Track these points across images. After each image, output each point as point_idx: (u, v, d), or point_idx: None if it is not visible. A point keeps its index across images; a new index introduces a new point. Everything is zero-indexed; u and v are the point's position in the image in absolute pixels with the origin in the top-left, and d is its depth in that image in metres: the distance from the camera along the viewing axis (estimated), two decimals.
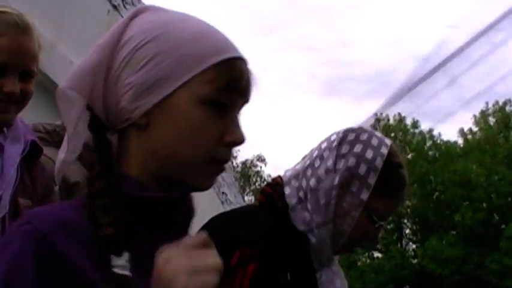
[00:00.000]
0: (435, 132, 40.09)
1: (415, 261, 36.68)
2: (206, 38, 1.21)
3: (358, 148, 1.91)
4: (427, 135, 39.97)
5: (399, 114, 40.09)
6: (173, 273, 1.00)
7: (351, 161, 1.89)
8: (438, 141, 39.72)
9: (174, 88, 1.18)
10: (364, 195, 1.89)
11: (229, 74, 1.20)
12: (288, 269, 1.84)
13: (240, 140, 1.23)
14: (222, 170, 1.25)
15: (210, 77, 1.18)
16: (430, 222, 36.25)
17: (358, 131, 1.96)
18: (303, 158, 2.04)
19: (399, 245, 38.52)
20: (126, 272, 1.09)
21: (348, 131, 1.97)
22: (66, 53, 5.00)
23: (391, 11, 67.69)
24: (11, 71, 1.99)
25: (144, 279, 1.09)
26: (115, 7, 6.08)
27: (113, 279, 1.08)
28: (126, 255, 1.10)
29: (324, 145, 1.98)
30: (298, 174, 1.97)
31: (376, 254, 39.55)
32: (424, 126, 40.94)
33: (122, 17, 6.33)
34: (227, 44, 1.24)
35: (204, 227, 1.86)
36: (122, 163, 1.23)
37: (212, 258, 1.04)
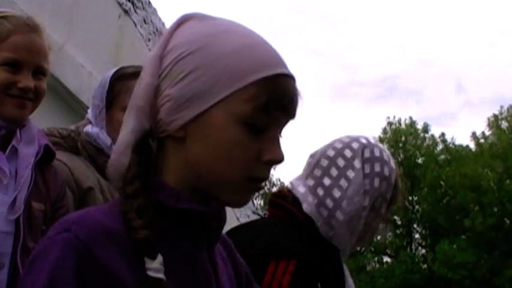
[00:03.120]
0: (447, 136, 40.04)
1: (424, 266, 36.54)
2: (249, 52, 1.17)
3: (377, 167, 2.05)
4: (439, 139, 39.85)
5: (410, 118, 40.10)
6: None
7: (376, 181, 2.04)
8: (450, 146, 39.57)
9: (211, 104, 1.15)
10: (383, 209, 2.08)
11: (270, 92, 1.16)
12: (320, 279, 1.88)
13: (278, 159, 1.20)
14: (259, 188, 1.23)
15: (249, 95, 1.15)
16: (440, 227, 36.12)
17: (370, 146, 2.08)
18: (310, 172, 2.06)
19: (409, 249, 38.39)
20: (161, 275, 1.08)
21: (362, 147, 2.06)
22: (77, 57, 5.03)
23: (397, 15, 67.65)
24: (24, 68, 2.05)
25: (175, 284, 1.10)
26: (126, 12, 6.11)
27: (147, 282, 1.07)
28: (160, 258, 1.09)
29: (340, 162, 2.03)
30: (317, 191, 2.00)
31: (386, 259, 39.46)
32: (435, 131, 40.93)
33: (133, 21, 6.39)
34: (271, 60, 1.19)
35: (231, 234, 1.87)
36: (159, 171, 1.21)
37: None
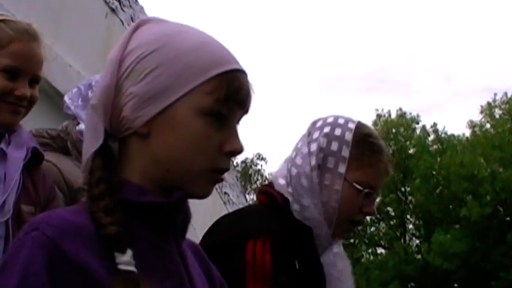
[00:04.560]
0: (438, 126, 40.07)
1: (418, 256, 36.65)
2: (207, 49, 1.24)
3: (326, 129, 2.06)
4: (431, 129, 39.91)
5: (400, 109, 40.16)
6: None
7: (322, 141, 2.03)
8: (442, 135, 39.63)
9: (175, 99, 1.21)
10: (342, 168, 2.02)
11: (229, 85, 1.23)
12: (296, 258, 1.92)
13: (239, 150, 1.25)
14: (221, 179, 1.28)
15: (210, 89, 1.21)
16: (433, 217, 36.21)
17: (325, 117, 2.12)
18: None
19: (403, 240, 38.49)
20: (132, 268, 1.11)
21: (316, 120, 2.12)
22: (64, 57, 5.01)
23: (385, 8, 67.74)
24: (22, 76, 2.07)
25: (146, 277, 1.13)
26: (113, 10, 6.09)
27: (119, 275, 1.10)
28: (129, 252, 1.13)
29: (298, 140, 2.12)
30: (282, 172, 2.08)
31: (380, 250, 39.57)
32: (424, 122, 40.95)
33: (120, 20, 6.36)
34: (227, 56, 1.27)
35: (211, 229, 1.97)
36: (122, 170, 1.25)
37: None
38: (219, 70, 1.22)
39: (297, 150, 2.08)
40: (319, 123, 2.10)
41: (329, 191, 2.01)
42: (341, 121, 2.08)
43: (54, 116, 4.43)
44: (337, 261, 2.08)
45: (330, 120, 2.09)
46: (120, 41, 1.27)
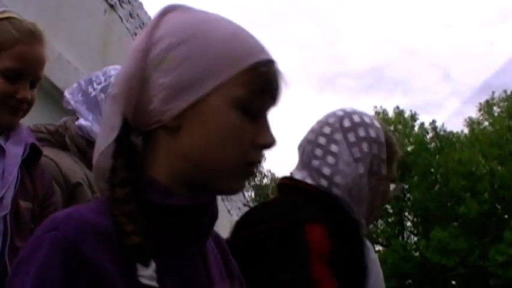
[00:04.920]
0: (437, 123, 40.08)
1: (417, 254, 36.65)
2: (239, 39, 1.20)
3: (361, 132, 2.03)
4: (430, 126, 39.90)
5: (397, 107, 40.16)
6: None
7: (365, 146, 2.02)
8: (441, 133, 39.62)
9: (208, 90, 1.16)
10: (384, 170, 2.06)
11: (263, 77, 1.19)
12: (344, 247, 1.91)
13: (272, 143, 1.22)
14: (253, 173, 1.24)
15: (244, 80, 1.17)
16: (431, 215, 36.21)
17: (347, 115, 2.07)
18: (300, 160, 2.09)
19: (401, 238, 38.50)
20: (154, 283, 1.07)
21: (339, 119, 2.06)
22: (63, 53, 5.00)
23: (382, 6, 67.73)
24: (23, 78, 2.04)
25: (167, 286, 1.10)
26: (112, 6, 6.08)
27: None
28: (153, 266, 1.08)
29: (322, 140, 2.04)
30: (312, 174, 2.02)
31: (378, 248, 39.57)
32: (422, 119, 40.92)
33: (119, 16, 6.36)
34: (259, 46, 1.22)
35: (245, 219, 1.97)
36: (147, 167, 1.20)
37: None
38: (252, 61, 1.18)
39: (333, 155, 2.00)
40: (346, 123, 2.05)
41: (374, 193, 2.05)
42: (368, 120, 2.07)
43: (52, 112, 4.42)
44: (370, 252, 2.11)
45: (357, 119, 2.06)
46: (146, 29, 1.22)
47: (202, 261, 1.23)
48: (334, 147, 2.01)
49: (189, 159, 1.17)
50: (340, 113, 2.09)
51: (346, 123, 2.05)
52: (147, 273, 1.07)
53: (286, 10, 73.83)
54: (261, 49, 1.21)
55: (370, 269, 2.05)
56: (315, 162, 2.02)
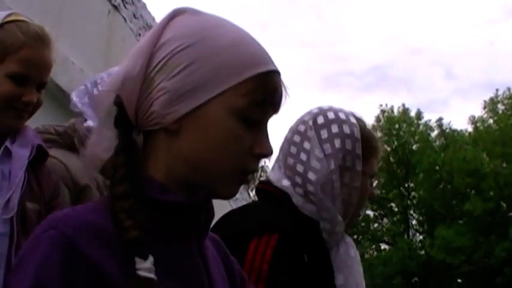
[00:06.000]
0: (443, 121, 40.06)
1: (422, 252, 36.64)
2: (243, 47, 1.21)
3: (335, 128, 2.04)
4: (436, 124, 39.90)
5: (403, 105, 40.16)
6: None
7: (337, 142, 2.01)
8: (447, 131, 39.60)
9: (208, 98, 1.17)
10: (359, 166, 2.04)
11: (265, 88, 1.20)
12: (305, 251, 1.91)
13: (268, 153, 1.23)
14: (248, 180, 1.26)
15: (246, 90, 1.18)
16: (436, 213, 36.20)
17: (321, 112, 2.09)
18: (277, 159, 2.12)
19: (406, 236, 38.49)
20: (152, 275, 1.08)
21: (314, 115, 2.08)
22: (67, 54, 5.00)
23: (385, 4, 67.72)
24: (30, 82, 2.04)
25: (166, 281, 1.11)
26: (115, 7, 6.09)
27: (138, 282, 1.07)
28: (151, 258, 1.09)
29: (297, 138, 2.07)
30: (286, 173, 2.05)
31: (383, 246, 39.57)
32: (427, 118, 40.90)
33: (123, 17, 6.36)
34: (263, 56, 1.23)
35: (216, 226, 1.92)
36: (146, 166, 1.22)
37: None
38: (255, 71, 1.19)
39: (306, 152, 2.03)
40: (320, 120, 2.06)
41: (349, 189, 2.03)
42: (343, 116, 2.07)
43: (57, 113, 4.43)
44: (349, 249, 2.10)
45: (331, 116, 2.07)
46: (152, 30, 1.23)
47: (201, 259, 1.24)
48: (306, 144, 2.03)
49: (186, 162, 1.19)
50: (316, 110, 2.10)
51: (320, 120, 2.06)
52: (145, 266, 1.08)
53: (288, 9, 73.85)
54: (264, 59, 1.22)
55: (345, 267, 2.05)
56: (290, 160, 2.04)
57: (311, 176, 2.00)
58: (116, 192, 1.15)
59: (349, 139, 2.03)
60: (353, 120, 2.07)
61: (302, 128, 2.07)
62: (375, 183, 2.23)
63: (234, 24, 1.26)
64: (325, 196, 1.99)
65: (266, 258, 1.81)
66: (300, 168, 2.02)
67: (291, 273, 1.85)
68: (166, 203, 1.18)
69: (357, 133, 2.04)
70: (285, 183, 2.03)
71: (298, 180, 2.01)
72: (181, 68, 1.17)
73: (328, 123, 2.05)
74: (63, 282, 1.03)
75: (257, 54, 1.22)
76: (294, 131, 2.09)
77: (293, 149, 2.06)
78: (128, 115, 1.22)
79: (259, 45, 1.24)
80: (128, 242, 1.09)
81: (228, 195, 1.24)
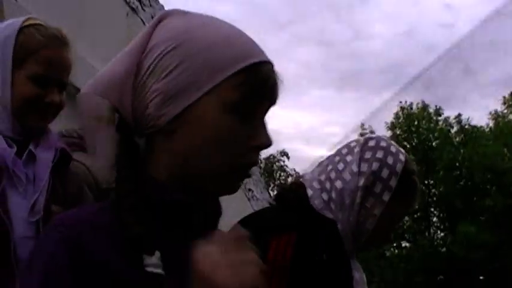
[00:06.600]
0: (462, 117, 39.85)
1: (443, 249, 36.49)
2: (231, 42, 1.20)
3: (380, 154, 2.10)
4: (455, 120, 39.70)
5: (422, 102, 39.98)
6: (212, 267, 1.00)
7: (375, 165, 2.08)
8: (466, 127, 39.40)
9: (200, 95, 1.17)
10: (386, 197, 2.08)
11: (255, 78, 1.19)
12: (324, 250, 1.97)
13: (267, 144, 1.23)
14: (249, 175, 1.25)
15: (236, 83, 1.17)
16: (457, 209, 36.03)
17: (377, 138, 2.18)
18: (320, 164, 2.20)
19: (427, 233, 38.35)
20: (159, 271, 1.10)
21: (368, 139, 2.17)
22: (86, 57, 5.03)
23: (401, 2, 67.45)
24: (51, 83, 2.08)
25: (172, 279, 1.12)
26: (133, 10, 6.11)
27: (146, 278, 1.09)
28: (157, 254, 1.11)
29: (344, 151, 2.16)
30: (320, 178, 2.11)
31: (404, 244, 39.43)
32: (446, 114, 40.67)
33: (141, 19, 6.38)
34: (252, 48, 1.22)
35: (240, 222, 1.97)
36: (148, 167, 1.23)
37: (250, 252, 1.04)
38: (244, 63, 1.18)
39: (345, 163, 2.10)
40: (371, 143, 2.13)
41: (367, 213, 2.07)
42: (393, 149, 2.12)
43: (77, 116, 4.46)
44: (354, 272, 2.12)
45: (382, 144, 2.13)
46: (141, 34, 1.24)
47: None
48: (349, 157, 2.11)
49: (185, 161, 1.20)
50: (376, 136, 2.20)
51: (371, 143, 2.14)
52: (152, 262, 1.10)
53: (305, 7, 73.77)
54: (254, 51, 1.22)
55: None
56: (329, 167, 2.13)
57: (338, 184, 2.06)
58: (120, 191, 1.18)
59: (387, 169, 2.08)
60: (401, 157, 2.12)
61: (353, 144, 2.16)
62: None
63: (222, 21, 1.26)
64: (343, 209, 2.04)
65: (287, 256, 1.85)
66: (332, 175, 2.09)
67: (311, 270, 1.89)
68: (169, 202, 1.19)
69: (398, 168, 2.09)
70: (315, 185, 2.09)
71: (327, 185, 2.07)
72: (171, 69, 1.18)
73: (376, 148, 2.12)
74: (71, 280, 1.06)
75: (245, 47, 1.21)
76: (347, 145, 2.18)
77: (336, 158, 2.14)
78: (125, 120, 1.24)
79: (247, 38, 1.24)
80: (133, 238, 1.12)
81: (229, 191, 1.24)
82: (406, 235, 39.04)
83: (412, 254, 35.93)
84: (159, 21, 1.25)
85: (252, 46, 1.23)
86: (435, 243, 37.67)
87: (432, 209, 39.26)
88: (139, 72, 1.20)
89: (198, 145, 1.18)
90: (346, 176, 2.06)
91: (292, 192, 2.11)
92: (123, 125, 1.25)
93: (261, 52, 1.23)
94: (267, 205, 10.95)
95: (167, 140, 1.20)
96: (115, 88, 1.21)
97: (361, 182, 2.05)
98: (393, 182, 2.07)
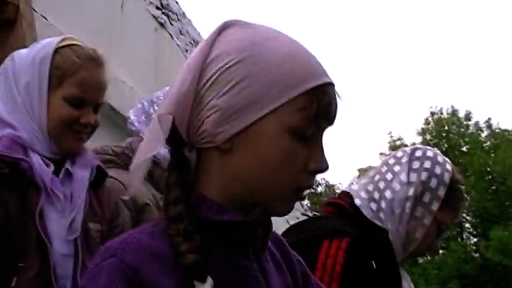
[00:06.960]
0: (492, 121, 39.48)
1: (477, 255, 36.06)
2: (296, 61, 1.15)
3: (427, 164, 2.14)
4: (485, 125, 39.35)
5: (452, 106, 39.67)
6: None
7: (423, 175, 2.12)
8: (497, 130, 39.00)
9: (262, 115, 1.13)
10: (435, 206, 2.13)
11: (319, 102, 1.15)
12: (374, 258, 1.98)
13: (324, 168, 1.19)
14: (303, 197, 1.22)
15: (300, 105, 1.14)
16: (490, 215, 35.60)
17: (422, 148, 2.23)
18: (367, 175, 2.23)
19: (460, 239, 37.95)
20: None
21: (415, 149, 2.21)
22: (117, 73, 5.07)
23: (424, 12, 67.05)
24: (87, 104, 2.09)
25: None
26: (161, 24, 6.15)
27: None
28: (210, 281, 1.09)
29: (391, 161, 2.20)
30: (368, 188, 2.14)
31: None
32: (476, 118, 40.33)
33: (169, 33, 6.42)
34: (317, 68, 1.18)
35: (286, 232, 2.03)
36: (200, 184, 1.20)
37: None
38: (308, 85, 1.13)
39: (393, 173, 2.14)
40: (418, 153, 2.18)
41: (416, 223, 2.11)
42: (440, 159, 2.17)
43: (110, 133, 4.50)
44: (403, 281, 2.13)
45: (429, 154, 2.18)
46: (202, 45, 1.19)
47: (262, 276, 1.22)
48: (396, 168, 2.16)
49: (240, 181, 1.16)
50: (422, 147, 2.25)
51: (418, 153, 2.19)
52: None
53: (329, 11, 73.60)
54: (318, 72, 1.17)
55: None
56: (377, 176, 2.17)
57: (388, 194, 2.10)
58: (171, 214, 1.15)
59: (436, 178, 2.13)
60: (448, 167, 2.18)
61: (399, 154, 2.21)
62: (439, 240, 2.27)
63: (286, 35, 1.21)
64: (393, 219, 2.08)
65: (339, 260, 1.87)
66: (381, 184, 2.13)
67: (362, 277, 1.91)
68: (224, 223, 1.16)
69: (446, 178, 2.14)
70: (363, 195, 2.12)
71: (376, 195, 2.11)
72: (231, 85, 1.13)
73: (423, 158, 2.17)
74: None
75: (310, 67, 1.16)
76: (393, 155, 2.23)
77: (384, 169, 2.18)
78: (179, 132, 1.19)
79: (312, 57, 1.19)
80: (186, 266, 1.09)
81: (282, 213, 1.20)
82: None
83: (445, 260, 35.53)
84: (222, 30, 1.20)
85: (315, 66, 1.18)
86: (468, 248, 37.23)
87: (464, 215, 38.83)
88: (199, 83, 1.16)
89: (255, 165, 1.15)
90: (396, 186, 2.10)
91: (346, 201, 2.14)
92: (173, 135, 1.19)
93: (324, 73, 1.18)
94: (299, 215, 10.93)
95: (222, 157, 1.17)
96: (181, 103, 1.16)
97: (411, 191, 2.09)
98: (442, 192, 2.12)
